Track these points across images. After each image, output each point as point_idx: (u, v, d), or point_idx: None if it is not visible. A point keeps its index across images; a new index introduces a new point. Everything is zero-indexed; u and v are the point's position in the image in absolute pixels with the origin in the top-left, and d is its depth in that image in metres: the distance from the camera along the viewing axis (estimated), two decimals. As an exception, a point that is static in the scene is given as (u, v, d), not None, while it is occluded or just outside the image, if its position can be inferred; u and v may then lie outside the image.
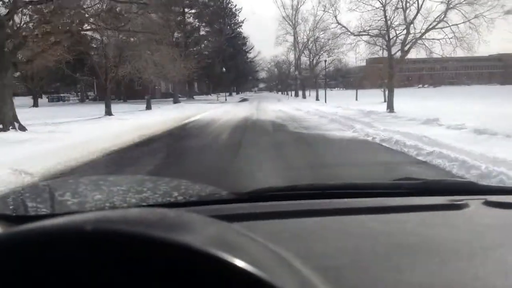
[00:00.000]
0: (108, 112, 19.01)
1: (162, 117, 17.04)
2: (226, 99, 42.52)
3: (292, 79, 58.09)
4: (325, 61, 30.98)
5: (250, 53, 66.80)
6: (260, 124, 13.71)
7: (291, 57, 57.83)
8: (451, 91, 53.38)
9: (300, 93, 50.98)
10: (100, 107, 20.83)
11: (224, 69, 42.02)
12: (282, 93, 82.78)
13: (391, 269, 0.56)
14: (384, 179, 3.30)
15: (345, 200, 0.98)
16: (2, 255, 0.35)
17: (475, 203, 0.89)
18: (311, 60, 43.01)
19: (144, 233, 0.34)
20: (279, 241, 0.54)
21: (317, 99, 37.62)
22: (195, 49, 45.12)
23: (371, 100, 32.43)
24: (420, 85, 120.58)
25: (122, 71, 19.39)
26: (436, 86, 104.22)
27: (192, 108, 27.04)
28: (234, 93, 78.50)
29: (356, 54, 35.55)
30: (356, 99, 35.69)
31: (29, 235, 0.36)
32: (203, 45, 44.75)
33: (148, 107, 26.14)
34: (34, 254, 0.34)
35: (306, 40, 43.13)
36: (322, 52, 36.75)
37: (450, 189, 1.06)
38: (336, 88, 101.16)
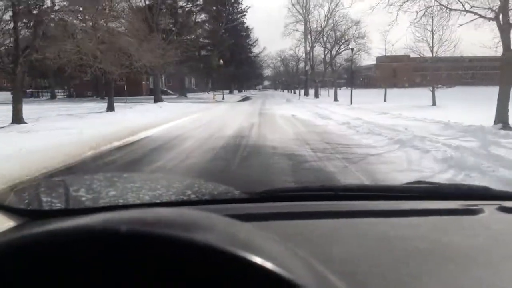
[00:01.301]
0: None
1: (90, 130, 9.66)
2: (223, 98, 35.32)
3: (302, 76, 50.72)
4: (352, 49, 23.59)
5: (254, 46, 59.42)
6: (265, 160, 6.00)
7: (301, 51, 50.30)
8: (483, 91, 45.50)
9: (311, 91, 43.68)
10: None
11: (221, 62, 34.80)
12: (288, 92, 75.72)
13: (410, 276, 0.55)
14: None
15: (358, 202, 0.97)
16: (38, 253, 0.35)
17: (489, 208, 0.87)
18: (325, 52, 35.75)
19: (179, 236, 0.35)
20: (294, 242, 0.55)
21: (335, 99, 30.27)
22: (188, 37, 37.95)
23: (407, 102, 25.13)
24: (435, 85, 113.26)
25: (43, 53, 12.09)
26: (450, 87, 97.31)
27: (170, 110, 19.75)
28: (236, 91, 71.27)
29: (386, 44, 28.19)
30: (385, 100, 28.52)
31: (63, 233, 0.36)
32: (199, 32, 37.46)
33: (110, 108, 18.93)
34: (71, 254, 0.34)
35: (320, 28, 35.63)
36: (343, 41, 29.38)
37: (463, 194, 1.05)
38: (344, 87, 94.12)
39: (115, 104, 19.45)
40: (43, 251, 0.35)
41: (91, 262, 0.34)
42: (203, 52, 42.01)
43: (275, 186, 1.10)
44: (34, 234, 0.37)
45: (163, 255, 0.34)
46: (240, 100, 36.02)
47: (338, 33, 30.37)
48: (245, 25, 54.73)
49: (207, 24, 40.44)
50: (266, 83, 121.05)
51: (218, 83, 74.13)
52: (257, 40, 59.92)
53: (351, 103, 23.32)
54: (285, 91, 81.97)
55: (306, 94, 48.95)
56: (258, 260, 0.34)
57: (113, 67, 16.71)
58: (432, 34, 21.07)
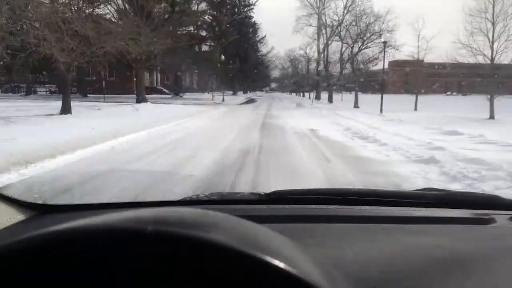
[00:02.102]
0: None
1: None
2: (223, 99, 30.47)
3: (315, 77, 45.68)
4: (384, 43, 18.54)
5: (262, 43, 54.51)
6: None
7: (312, 49, 45.31)
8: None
9: (323, 96, 38.75)
10: None
11: (223, 57, 29.99)
12: (297, 95, 70.79)
13: (423, 283, 0.54)
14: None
15: (368, 207, 0.96)
16: (59, 251, 0.35)
17: (501, 218, 0.87)
18: (341, 50, 30.72)
19: (201, 236, 0.35)
20: (306, 245, 0.55)
21: (356, 105, 25.25)
22: (184, 27, 33.24)
23: (446, 111, 20.11)
24: (449, 93, 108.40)
25: None
26: (465, 94, 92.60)
27: (145, 115, 14.88)
28: (241, 92, 66.47)
29: (419, 41, 23.31)
30: (416, 109, 23.61)
31: (89, 231, 0.36)
32: (199, 23, 32.64)
33: (66, 110, 14.14)
34: (96, 252, 0.35)
35: (337, 22, 30.53)
36: (369, 34, 24.38)
37: (475, 202, 1.05)
38: (353, 92, 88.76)
39: (86, 103, 14.72)
40: (64, 248, 0.35)
41: (112, 261, 0.34)
42: (204, 48, 37.28)
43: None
44: (55, 231, 0.36)
45: (187, 255, 0.34)
46: (243, 103, 31.14)
47: (362, 25, 25.30)
48: (252, 20, 49.92)
49: (208, 16, 35.68)
50: (273, 85, 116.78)
51: (222, 83, 69.46)
52: (264, 36, 55.05)
53: (381, 112, 18.29)
54: (293, 94, 77.23)
55: (318, 97, 43.92)
56: (277, 262, 0.34)
57: (62, 53, 11.93)
58: (493, 24, 16.02)
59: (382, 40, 19.57)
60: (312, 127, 11.14)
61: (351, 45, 25.70)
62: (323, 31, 37.23)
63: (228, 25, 40.14)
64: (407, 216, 0.89)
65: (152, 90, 41.29)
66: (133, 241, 0.35)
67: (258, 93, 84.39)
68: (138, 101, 21.95)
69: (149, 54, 20.38)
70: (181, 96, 35.13)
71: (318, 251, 0.60)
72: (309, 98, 50.04)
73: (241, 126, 11.53)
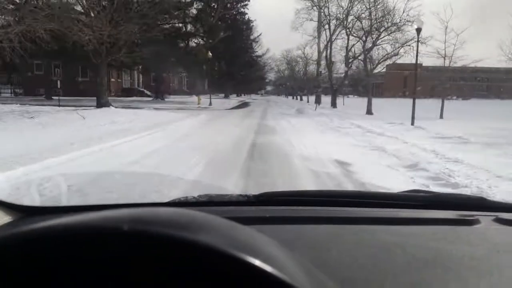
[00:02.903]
0: None
1: None
2: (210, 103, 25.94)
3: (312, 79, 41.26)
4: (418, 30, 14.03)
5: (256, 42, 50.02)
6: None
7: (312, 48, 41.04)
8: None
9: (324, 99, 34.37)
10: None
11: (210, 54, 25.44)
12: (293, 98, 66.49)
13: (408, 284, 0.55)
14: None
15: (355, 209, 0.97)
16: (36, 249, 0.35)
17: (486, 219, 0.88)
18: (347, 46, 26.31)
19: (177, 235, 0.35)
20: (292, 247, 0.56)
21: (368, 112, 20.80)
22: (168, 21, 28.83)
23: (477, 121, 15.87)
24: (449, 97, 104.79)
25: None
26: (466, 99, 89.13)
27: (87, 128, 10.25)
28: (234, 95, 61.99)
29: (446, 34, 19.01)
30: (441, 116, 19.41)
31: (62, 229, 0.36)
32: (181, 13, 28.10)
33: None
34: (69, 250, 0.35)
35: (345, 11, 26.06)
36: (388, 24, 19.91)
37: (460, 204, 1.06)
38: (351, 96, 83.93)
39: (35, 107, 10.43)
40: (42, 247, 0.35)
41: (88, 259, 0.34)
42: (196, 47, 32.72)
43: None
44: (32, 229, 0.36)
45: (162, 254, 0.34)
46: (233, 108, 26.64)
47: (379, 14, 20.74)
48: (246, 16, 45.48)
49: (194, 8, 31.15)
50: (268, 88, 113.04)
51: (213, 85, 64.86)
52: (260, 35, 50.60)
53: (413, 123, 13.86)
54: (290, 98, 72.98)
55: (318, 102, 39.56)
56: (257, 262, 0.33)
57: None
58: None
59: (414, 26, 15.05)
60: (336, 154, 6.62)
61: (363, 38, 21.15)
62: (326, 26, 32.83)
63: (219, 21, 35.71)
64: (393, 217, 0.88)
65: (132, 92, 36.67)
66: (109, 239, 0.34)
67: (253, 96, 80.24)
68: (99, 105, 17.36)
69: (112, 46, 15.83)
70: (164, 99, 30.52)
71: (304, 252, 0.61)
72: (308, 102, 45.70)
73: (216, 152, 6.97)
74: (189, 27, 30.69)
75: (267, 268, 0.33)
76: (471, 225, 0.84)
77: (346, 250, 0.67)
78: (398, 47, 19.71)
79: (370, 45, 20.90)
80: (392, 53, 19.95)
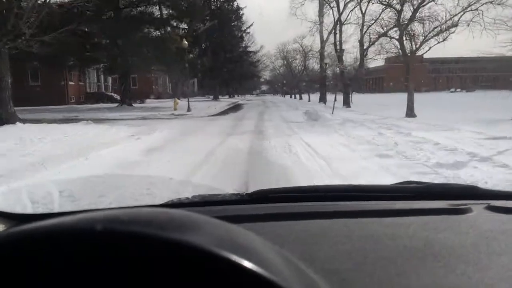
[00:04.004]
0: None
1: None
2: (188, 108, 19.53)
3: (315, 74, 34.95)
4: None
5: (248, 33, 43.54)
6: None
7: (310, 41, 34.79)
8: None
9: (333, 97, 28.06)
10: None
11: (185, 43, 18.96)
12: (291, 97, 60.33)
13: (396, 273, 0.56)
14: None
15: (348, 203, 0.98)
16: (8, 254, 0.34)
17: (478, 207, 0.88)
18: (363, 27, 19.97)
19: (154, 233, 0.34)
20: (283, 243, 0.57)
21: (410, 113, 14.36)
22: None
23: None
24: (453, 89, 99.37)
25: None
26: (469, 91, 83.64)
27: None
28: (226, 96, 55.61)
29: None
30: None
31: (36, 233, 0.35)
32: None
33: None
34: (42, 253, 0.34)
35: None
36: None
37: (453, 194, 1.06)
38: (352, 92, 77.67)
39: None
40: (12, 251, 0.34)
41: (63, 261, 0.34)
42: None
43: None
44: (7, 234, 0.36)
45: (139, 254, 0.33)
46: (219, 114, 20.26)
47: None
48: (235, 3, 39.13)
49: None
50: (264, 87, 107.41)
51: (202, 86, 58.38)
52: (252, 24, 44.21)
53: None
54: (287, 97, 66.87)
55: (323, 100, 33.29)
56: (245, 262, 0.33)
57: None
58: None
59: None
60: None
61: (398, 6, 14.58)
62: (332, 3, 26.55)
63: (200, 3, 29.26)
64: (384, 209, 0.88)
65: (100, 97, 30.16)
66: (82, 239, 0.34)
67: (248, 96, 74.24)
68: (-1, 121, 10.92)
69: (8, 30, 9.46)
70: (132, 105, 24.11)
71: (294, 247, 0.61)
72: (309, 100, 39.46)
73: None
74: (164, 11, 24.15)
75: (251, 266, 0.33)
76: (463, 214, 0.84)
77: (336, 243, 0.67)
78: (458, 14, 13.24)
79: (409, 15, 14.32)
80: (449, 23, 13.38)
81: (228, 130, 11.01)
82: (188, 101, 20.33)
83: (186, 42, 19.68)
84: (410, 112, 14.53)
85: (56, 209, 1.11)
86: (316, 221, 0.80)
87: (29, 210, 1.06)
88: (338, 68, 25.87)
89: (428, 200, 0.98)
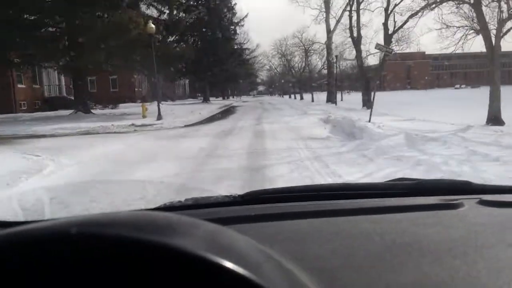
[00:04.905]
0: None
1: None
2: (159, 114, 14.23)
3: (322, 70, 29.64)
4: None
5: (242, 26, 38.05)
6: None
7: (311, 35, 29.17)
8: None
9: (340, 96, 22.64)
10: None
11: (152, 26, 13.70)
12: (289, 97, 55.25)
13: (385, 269, 0.56)
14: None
15: (340, 201, 0.98)
16: None
17: (469, 202, 0.88)
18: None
19: (129, 235, 0.34)
20: (273, 243, 0.58)
21: (494, 119, 9.03)
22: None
23: None
24: (457, 86, 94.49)
25: None
26: (474, 87, 78.91)
27: None
28: (220, 98, 50.22)
29: None
30: None
31: (12, 238, 0.35)
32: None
33: None
34: (16, 258, 0.34)
35: None
36: None
37: (445, 189, 1.05)
38: (346, 91, 71.90)
39: None
40: None
41: (38, 266, 0.33)
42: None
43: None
44: None
45: (115, 256, 0.33)
46: (202, 121, 14.86)
47: None
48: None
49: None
50: (261, 88, 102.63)
51: (197, 89, 52.92)
52: (246, 16, 38.75)
53: None
54: (285, 97, 61.81)
55: (331, 99, 28.02)
56: (225, 262, 0.33)
57: None
58: None
59: None
60: None
61: None
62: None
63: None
64: (376, 206, 0.88)
65: (60, 102, 24.56)
66: (56, 243, 0.34)
67: (244, 98, 69.19)
68: None
69: None
70: (90, 111, 18.64)
71: (283, 247, 0.61)
72: (312, 101, 34.15)
73: None
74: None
75: (229, 265, 0.33)
76: (454, 209, 0.83)
77: (325, 241, 0.67)
78: None
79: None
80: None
81: (197, 166, 5.58)
82: (159, 106, 14.92)
83: (153, 26, 14.27)
84: (496, 118, 9.12)
85: (48, 216, 1.08)
86: (306, 220, 0.80)
87: (20, 217, 1.06)
88: (355, 61, 20.39)
89: (420, 196, 0.97)
